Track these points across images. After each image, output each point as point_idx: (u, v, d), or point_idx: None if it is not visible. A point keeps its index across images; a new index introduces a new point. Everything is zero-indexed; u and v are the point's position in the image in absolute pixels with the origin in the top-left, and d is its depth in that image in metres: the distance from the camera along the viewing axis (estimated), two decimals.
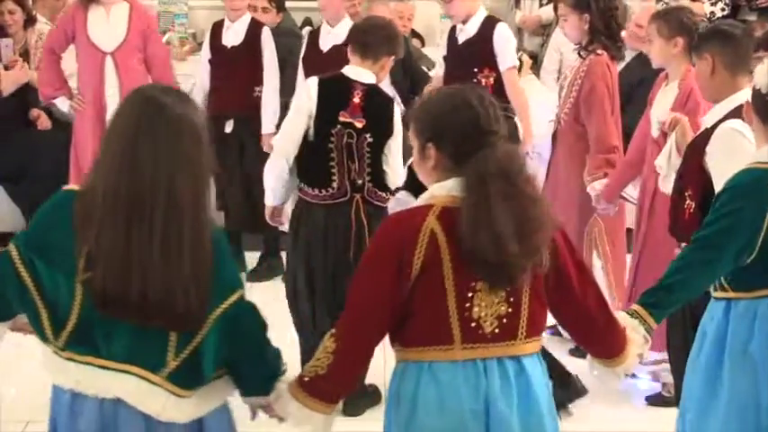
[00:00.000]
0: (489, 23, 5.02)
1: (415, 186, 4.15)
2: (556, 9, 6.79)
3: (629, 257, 4.47)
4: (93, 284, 2.11)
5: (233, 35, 5.47)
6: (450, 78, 5.05)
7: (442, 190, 2.32)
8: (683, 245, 3.18)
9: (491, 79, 4.94)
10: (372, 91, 4.06)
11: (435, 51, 7.32)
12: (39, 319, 2.17)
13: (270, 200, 4.13)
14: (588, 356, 2.57)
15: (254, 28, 5.47)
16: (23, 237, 2.21)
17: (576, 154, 4.50)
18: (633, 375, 4.22)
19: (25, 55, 6.03)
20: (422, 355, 2.33)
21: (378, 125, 4.04)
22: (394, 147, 4.09)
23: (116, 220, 2.10)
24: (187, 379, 2.19)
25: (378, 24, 4.19)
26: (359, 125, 4.01)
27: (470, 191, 2.27)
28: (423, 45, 7.30)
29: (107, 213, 2.10)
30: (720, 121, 3.34)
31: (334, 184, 4.02)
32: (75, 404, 2.20)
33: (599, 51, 4.49)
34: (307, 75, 5.19)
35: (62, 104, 5.39)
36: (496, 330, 2.32)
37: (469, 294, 2.30)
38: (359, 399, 4.08)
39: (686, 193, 3.39)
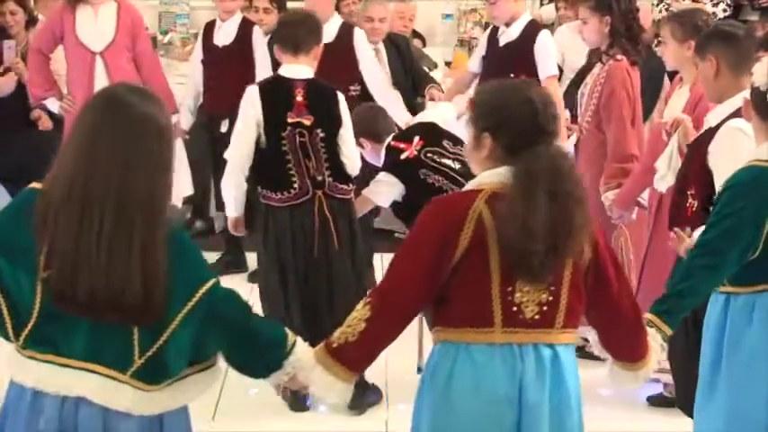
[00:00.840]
0: (533, 28, 5.00)
1: (394, 168, 4.21)
2: (557, 9, 6.82)
3: None
4: (50, 282, 2.12)
5: (224, 35, 5.48)
6: (486, 80, 4.96)
7: (493, 177, 2.37)
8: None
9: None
10: (313, 86, 4.10)
11: (436, 51, 7.33)
12: (1, 317, 2.17)
13: (233, 212, 4.19)
14: (610, 361, 2.60)
15: (245, 27, 5.46)
16: None
17: (598, 162, 4.42)
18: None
19: (27, 56, 6.01)
20: (461, 335, 2.36)
21: (326, 119, 4.08)
22: (346, 136, 4.13)
23: (69, 217, 2.10)
24: (153, 375, 2.18)
25: (300, 18, 4.24)
26: (307, 123, 4.05)
27: (518, 182, 2.31)
28: (424, 45, 7.30)
29: (61, 211, 2.11)
30: (724, 120, 3.35)
31: (296, 185, 4.06)
32: (36, 402, 2.19)
33: (618, 57, 4.43)
34: None
35: (52, 105, 5.38)
36: (536, 317, 2.36)
37: (513, 279, 2.34)
38: (362, 395, 4.08)
39: (689, 192, 3.39)
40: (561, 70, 5.98)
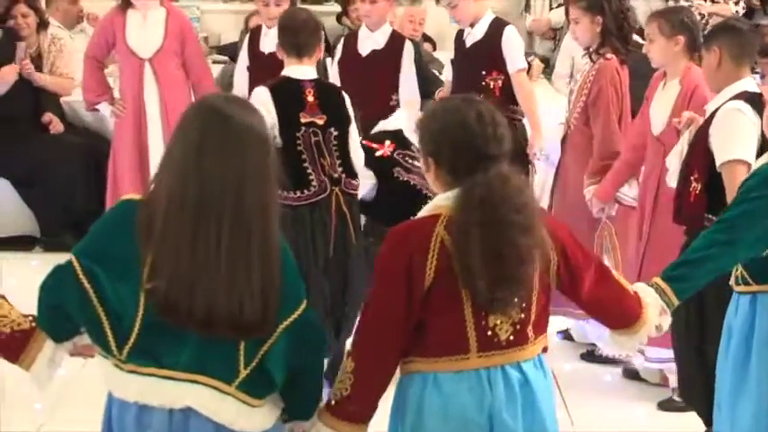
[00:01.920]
0: (497, 26, 5.00)
1: (369, 163, 4.26)
2: (567, 13, 6.82)
3: None
4: (157, 294, 2.08)
5: (271, 41, 5.42)
6: (458, 82, 5.04)
7: (447, 201, 2.32)
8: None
9: (499, 82, 4.91)
10: (321, 86, 4.18)
11: (447, 55, 7.33)
12: (102, 331, 2.14)
13: None
14: (608, 332, 2.57)
15: None
16: (84, 247, 2.18)
17: (585, 158, 4.47)
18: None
19: (38, 59, 6.05)
20: (434, 365, 2.32)
21: (337, 117, 4.15)
22: (353, 132, 4.20)
23: (181, 228, 2.07)
24: (258, 388, 2.17)
25: (302, 20, 4.23)
26: (320, 122, 4.10)
27: (456, 212, 2.27)
28: (434, 49, 7.31)
29: (171, 222, 2.07)
30: (723, 105, 3.47)
31: (314, 183, 4.10)
32: (142, 416, 2.16)
33: (608, 56, 4.49)
34: (343, 79, 5.16)
35: (104, 110, 5.40)
36: (511, 337, 2.32)
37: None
38: None
39: (692, 177, 3.44)
40: (571, 74, 5.99)
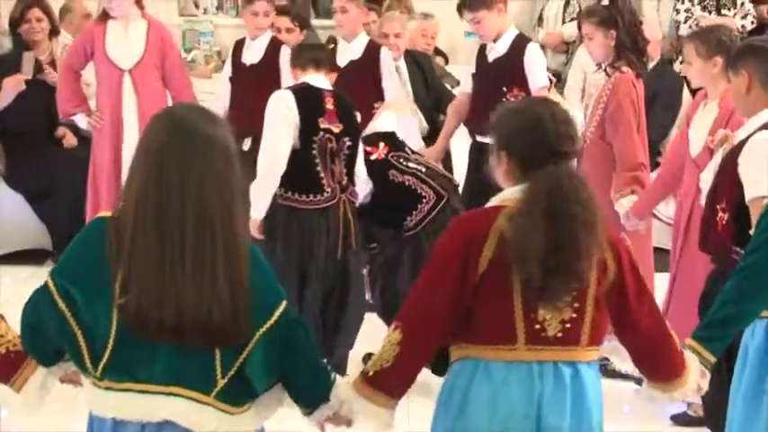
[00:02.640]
0: (520, 42, 5.00)
1: (367, 169, 4.33)
2: (580, 27, 6.82)
3: (657, 277, 4.44)
4: (128, 308, 2.10)
5: (252, 53, 5.50)
6: (478, 97, 5.05)
7: (515, 194, 2.38)
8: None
9: (519, 98, 4.87)
10: (339, 96, 4.28)
11: (459, 69, 7.33)
12: (79, 350, 2.16)
13: (262, 213, 4.16)
14: (644, 383, 2.57)
15: (274, 46, 5.47)
16: (59, 267, 2.21)
17: (602, 172, 4.47)
18: None
19: (52, 65, 6.08)
20: (482, 353, 2.37)
21: (351, 127, 4.26)
22: (360, 143, 4.33)
23: (147, 238, 2.10)
24: (237, 396, 2.18)
25: (319, 43, 4.63)
26: (336, 130, 4.19)
27: (523, 202, 2.33)
28: (446, 63, 7.31)
29: (138, 235, 2.10)
30: (753, 134, 3.34)
31: (327, 189, 4.17)
32: (117, 430, 2.18)
33: (624, 69, 4.48)
34: None
35: (80, 121, 5.42)
36: (559, 334, 2.36)
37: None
38: None
39: (718, 206, 3.39)
40: (583, 89, 5.99)
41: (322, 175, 4.15)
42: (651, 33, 5.31)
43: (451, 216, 4.17)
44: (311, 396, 2.34)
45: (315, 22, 7.64)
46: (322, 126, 4.15)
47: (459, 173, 5.30)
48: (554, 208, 2.30)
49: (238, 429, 2.21)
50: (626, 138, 4.44)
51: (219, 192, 2.12)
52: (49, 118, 6.01)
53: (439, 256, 2.40)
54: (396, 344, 2.35)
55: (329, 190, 4.16)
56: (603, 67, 4.60)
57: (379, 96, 5.18)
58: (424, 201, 4.31)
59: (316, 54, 4.29)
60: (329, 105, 4.19)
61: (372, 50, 5.27)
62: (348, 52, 5.28)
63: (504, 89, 4.92)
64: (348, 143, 4.21)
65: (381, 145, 4.44)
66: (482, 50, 5.12)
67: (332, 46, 6.70)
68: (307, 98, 4.16)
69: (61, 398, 2.47)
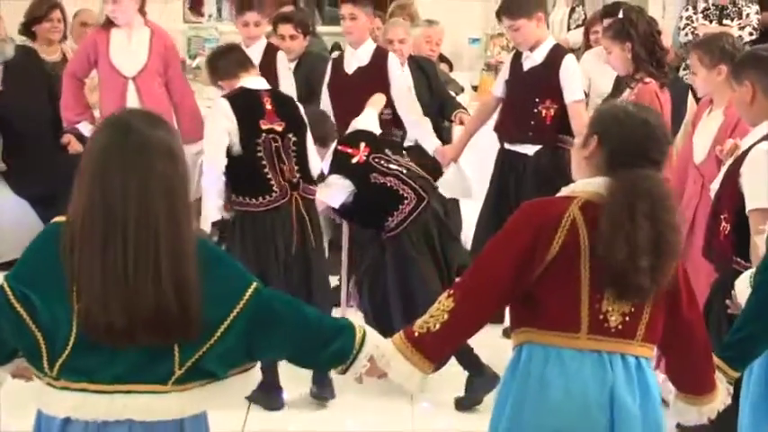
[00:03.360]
0: (557, 53, 4.96)
1: (345, 170, 4.36)
2: (586, 34, 6.82)
3: None
4: (80, 313, 2.11)
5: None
6: (509, 104, 5.02)
7: (589, 186, 2.40)
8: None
9: (552, 111, 4.87)
10: (276, 95, 4.39)
11: (463, 76, 7.34)
12: (37, 352, 2.16)
13: (217, 215, 4.24)
14: (673, 394, 2.58)
15: (269, 53, 5.48)
16: (15, 272, 2.21)
17: None
18: None
19: (63, 63, 6.14)
20: (547, 338, 2.38)
21: (294, 124, 4.31)
22: (308, 138, 4.37)
23: (92, 247, 2.11)
24: (196, 378, 2.19)
25: (228, 47, 4.68)
26: (279, 128, 4.26)
27: (618, 198, 2.34)
28: (451, 69, 7.31)
29: (83, 239, 2.11)
30: (755, 144, 3.33)
31: (275, 189, 4.21)
32: (66, 429, 2.17)
33: (647, 80, 4.44)
34: (332, 98, 5.28)
35: (84, 129, 5.42)
36: (620, 326, 2.38)
37: (602, 288, 2.35)
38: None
39: (722, 216, 3.37)
40: (587, 95, 5.98)
41: (270, 176, 4.20)
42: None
43: (431, 217, 4.32)
44: (319, 361, 2.33)
45: (321, 28, 7.65)
46: (264, 127, 4.20)
47: (483, 176, 5.26)
48: (653, 212, 2.33)
49: (195, 404, 2.20)
50: None
51: (161, 193, 2.13)
52: (55, 124, 6.02)
53: (509, 236, 2.39)
54: (447, 311, 2.35)
55: (278, 189, 4.20)
56: (616, 79, 4.56)
57: (388, 103, 5.19)
58: (406, 202, 4.32)
59: (235, 57, 4.38)
60: (268, 105, 4.26)
61: (380, 57, 5.27)
62: (355, 59, 5.28)
63: (537, 99, 4.88)
64: (294, 139, 4.27)
65: (362, 146, 4.44)
66: (517, 58, 5.07)
67: (338, 53, 6.73)
68: (244, 102, 4.21)
69: None
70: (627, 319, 2.38)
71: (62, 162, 5.93)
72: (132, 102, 5.23)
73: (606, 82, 5.80)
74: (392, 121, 5.23)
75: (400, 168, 4.42)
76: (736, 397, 3.04)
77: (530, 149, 4.85)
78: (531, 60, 4.96)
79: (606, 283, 2.34)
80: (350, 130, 4.63)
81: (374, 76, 5.20)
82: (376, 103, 4.96)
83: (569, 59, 4.96)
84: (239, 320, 2.19)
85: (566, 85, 4.88)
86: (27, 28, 6.23)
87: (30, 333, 2.15)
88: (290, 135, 4.26)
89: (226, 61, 4.37)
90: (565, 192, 2.45)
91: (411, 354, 2.36)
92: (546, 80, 4.88)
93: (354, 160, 4.39)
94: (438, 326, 2.35)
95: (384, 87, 5.17)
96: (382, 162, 4.41)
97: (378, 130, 4.67)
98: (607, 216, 2.32)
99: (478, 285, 2.39)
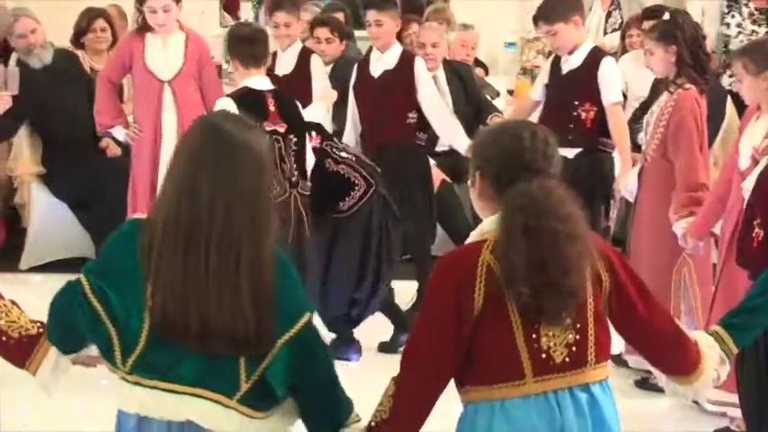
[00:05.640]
0: (595, 56, 4.96)
1: None
2: (623, 38, 6.79)
3: None
4: (155, 312, 2.14)
5: (284, 64, 5.52)
6: (549, 108, 5.03)
7: (492, 225, 2.32)
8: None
9: (591, 114, 4.86)
10: (278, 96, 4.45)
11: (499, 80, 7.34)
12: (110, 346, 2.19)
13: None
14: (664, 376, 2.55)
15: (304, 56, 5.50)
16: (93, 266, 2.25)
17: (663, 192, 4.37)
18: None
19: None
20: (491, 393, 2.30)
21: (296, 125, 4.42)
22: (306, 137, 4.50)
23: (174, 247, 2.12)
24: (260, 401, 2.19)
25: (255, 32, 4.57)
26: (281, 130, 4.36)
27: (500, 222, 2.28)
28: (486, 74, 7.31)
29: (165, 241, 2.13)
30: None
31: (277, 188, 4.27)
32: (140, 427, 2.21)
33: (687, 86, 4.41)
34: (357, 101, 5.28)
35: (118, 134, 5.46)
36: (567, 359, 2.30)
37: (535, 325, 2.28)
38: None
39: (755, 222, 3.34)
40: (625, 98, 5.95)
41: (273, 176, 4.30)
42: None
43: (377, 203, 4.59)
44: (321, 422, 2.31)
45: (358, 33, 7.66)
46: (267, 129, 4.21)
47: None
48: (531, 224, 2.22)
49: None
50: (688, 157, 4.32)
51: (247, 204, 2.14)
52: (93, 129, 6.09)
53: (431, 301, 2.32)
54: (391, 396, 2.32)
55: (278, 189, 4.28)
56: (654, 83, 4.52)
57: (414, 106, 5.20)
58: (357, 188, 4.57)
59: (254, 50, 4.41)
60: (272, 107, 4.34)
61: (407, 60, 5.28)
62: (382, 62, 5.29)
63: (576, 102, 4.88)
64: (294, 140, 4.37)
65: (314, 134, 4.60)
66: (556, 62, 5.08)
67: (363, 56, 6.73)
68: (249, 103, 4.19)
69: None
70: (573, 349, 2.29)
71: (101, 166, 6.02)
72: (168, 105, 5.26)
73: (644, 86, 5.78)
74: (416, 124, 5.24)
75: (350, 156, 4.64)
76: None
77: (569, 153, 4.84)
78: (570, 63, 4.96)
79: (533, 315, 2.25)
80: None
81: (401, 80, 5.21)
82: (326, 96, 5.09)
83: (608, 61, 4.95)
84: (289, 345, 2.18)
85: (604, 86, 4.87)
86: (76, 39, 6.32)
87: (104, 327, 2.18)
88: (291, 136, 4.38)
89: (247, 50, 4.42)
90: (474, 236, 2.35)
91: None
92: (585, 82, 4.88)
93: (311, 146, 4.54)
94: (388, 413, 2.31)
95: (411, 91, 5.19)
96: (335, 149, 4.62)
97: (326, 123, 4.88)
98: (497, 244, 2.25)
99: (416, 363, 2.31)
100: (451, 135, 5.31)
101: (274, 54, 5.58)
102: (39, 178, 6.05)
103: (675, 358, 2.48)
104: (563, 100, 4.92)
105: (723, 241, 4.08)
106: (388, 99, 5.09)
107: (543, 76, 5.20)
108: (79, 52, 6.30)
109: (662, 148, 4.42)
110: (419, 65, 5.27)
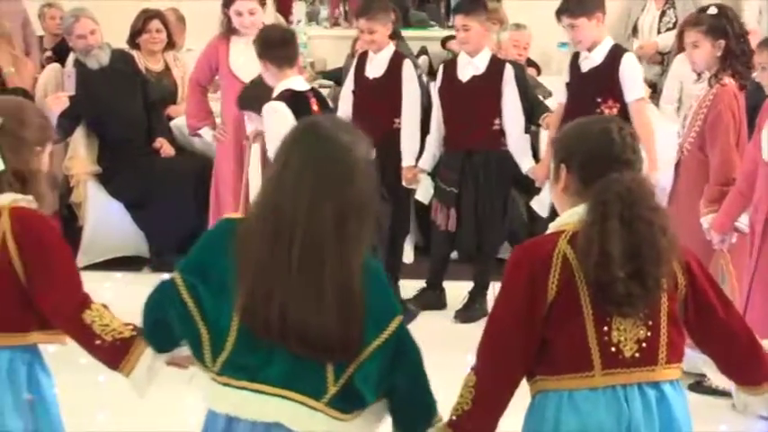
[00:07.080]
0: (615, 53, 4.94)
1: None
2: (680, 37, 6.71)
3: None
4: (242, 304, 2.14)
5: (375, 67, 5.49)
6: (571, 107, 4.99)
7: (573, 216, 2.33)
8: None
9: (614, 110, 4.83)
10: (318, 94, 4.52)
11: (551, 80, 7.29)
12: (200, 344, 2.20)
13: None
14: (734, 387, 2.52)
15: (396, 60, 5.44)
16: (186, 264, 2.26)
17: (699, 185, 4.39)
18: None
19: (165, 75, 6.43)
20: (560, 383, 2.31)
21: None
22: None
23: (261, 247, 2.13)
24: (348, 403, 2.19)
25: (286, 34, 4.64)
26: None
27: (590, 211, 2.28)
28: (539, 74, 7.27)
29: (255, 240, 2.14)
30: None
31: None
32: (229, 428, 2.21)
33: (725, 80, 4.39)
34: (443, 105, 5.27)
35: (206, 135, 5.58)
36: (636, 355, 2.30)
37: (607, 318, 2.28)
38: None
39: None
40: (680, 100, 5.89)
41: None
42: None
43: None
44: (409, 425, 2.30)
45: (406, 33, 7.67)
46: None
47: None
48: (628, 213, 2.25)
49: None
50: (723, 150, 4.33)
51: (333, 207, 2.12)
52: (148, 128, 6.17)
53: (506, 291, 2.34)
54: (472, 387, 2.32)
55: None
56: (708, 77, 4.50)
57: (497, 113, 5.20)
58: None
59: (287, 52, 4.48)
60: (314, 107, 4.38)
61: (497, 67, 5.28)
62: (471, 67, 5.28)
63: (599, 100, 4.86)
64: None
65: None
66: (575, 60, 5.07)
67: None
68: (297, 105, 4.27)
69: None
70: (643, 345, 2.29)
71: (155, 166, 6.09)
72: None
73: (699, 85, 5.70)
74: (500, 131, 5.25)
75: None
76: None
77: None
78: (591, 61, 4.95)
79: (605, 306, 2.26)
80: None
81: (489, 86, 5.22)
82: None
83: (629, 57, 4.93)
84: (381, 349, 2.18)
85: (626, 83, 4.86)
86: (132, 40, 6.42)
87: (195, 325, 2.20)
88: None
89: (281, 52, 4.47)
90: (553, 227, 2.37)
91: None
92: (606, 79, 4.86)
93: None
94: (469, 404, 2.32)
95: (497, 97, 5.20)
96: None
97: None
98: (581, 236, 2.25)
99: (492, 350, 2.33)
100: (520, 150, 5.30)
101: (365, 55, 5.54)
102: (95, 177, 6.12)
103: (749, 366, 2.46)
104: (585, 97, 4.89)
105: (754, 235, 4.04)
106: (476, 105, 5.09)
107: (564, 76, 5.18)
108: (134, 53, 6.38)
109: (699, 140, 4.41)
110: (509, 72, 5.27)
